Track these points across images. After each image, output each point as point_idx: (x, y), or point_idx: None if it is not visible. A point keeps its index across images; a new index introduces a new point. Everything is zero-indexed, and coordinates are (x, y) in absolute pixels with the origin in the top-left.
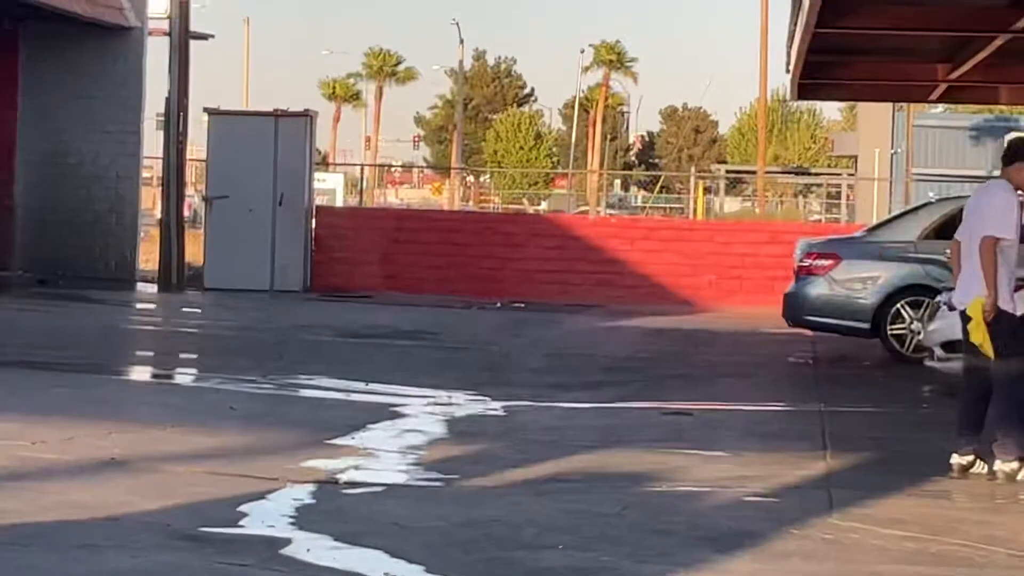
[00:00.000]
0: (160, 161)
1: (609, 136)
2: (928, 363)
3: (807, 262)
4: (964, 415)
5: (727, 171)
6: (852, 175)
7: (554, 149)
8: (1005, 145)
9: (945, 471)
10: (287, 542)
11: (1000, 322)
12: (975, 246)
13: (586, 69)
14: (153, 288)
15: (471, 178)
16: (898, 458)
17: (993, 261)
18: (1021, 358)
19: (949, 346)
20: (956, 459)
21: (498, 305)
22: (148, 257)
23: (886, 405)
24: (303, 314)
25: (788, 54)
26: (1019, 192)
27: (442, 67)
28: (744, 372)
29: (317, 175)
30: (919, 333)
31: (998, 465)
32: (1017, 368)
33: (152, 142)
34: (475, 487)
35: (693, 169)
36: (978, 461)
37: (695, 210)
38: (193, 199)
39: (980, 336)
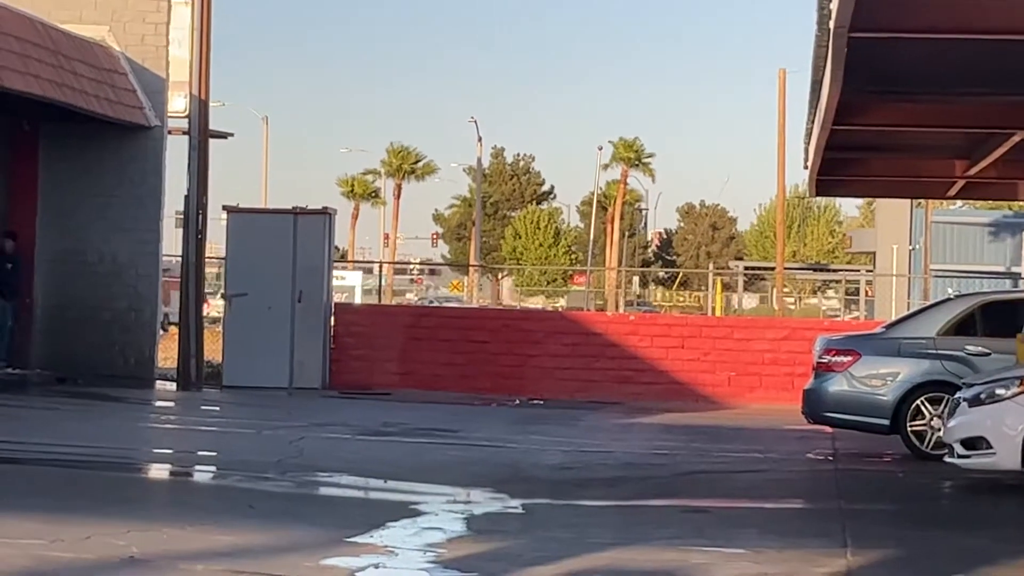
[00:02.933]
0: (179, 258)
1: (627, 233)
2: (948, 460)
3: (826, 358)
4: None
5: (745, 268)
6: (870, 271)
7: (573, 247)
8: None
9: (965, 568)
10: None
11: None
12: None
13: (604, 166)
14: (172, 386)
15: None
16: (919, 556)
17: None
18: None
19: (969, 443)
20: None
21: (517, 402)
22: (167, 355)
23: (906, 502)
24: (322, 412)
25: (806, 151)
26: None
27: (461, 164)
28: (763, 469)
29: (336, 272)
30: (939, 430)
31: None
32: None
33: (171, 240)
34: None
35: (711, 266)
36: None
37: (714, 307)
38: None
39: None
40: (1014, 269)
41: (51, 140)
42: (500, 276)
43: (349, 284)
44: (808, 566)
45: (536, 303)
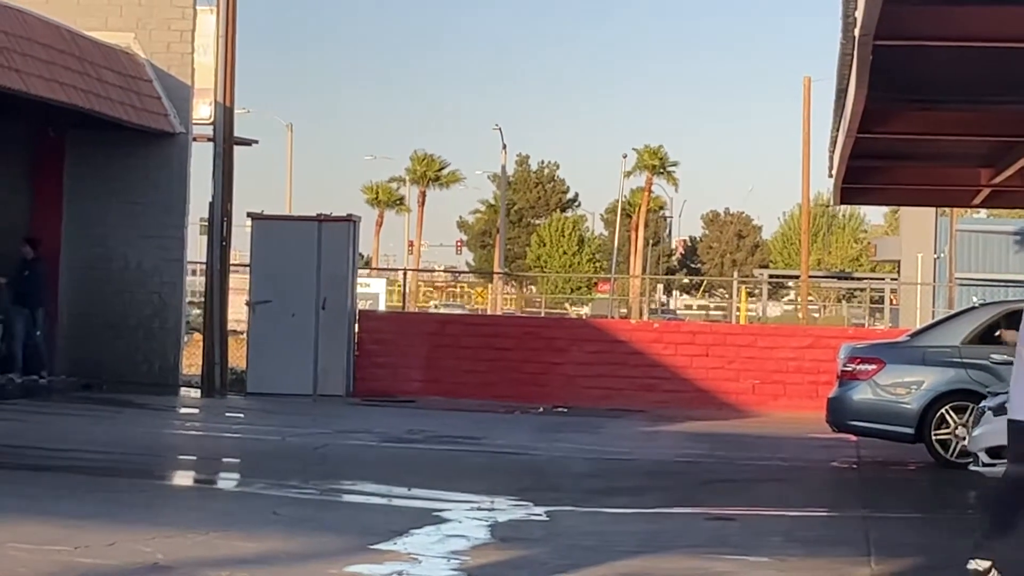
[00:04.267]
0: (203, 266)
1: (651, 241)
2: (973, 468)
3: (851, 367)
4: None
5: (770, 276)
6: (895, 280)
7: (597, 255)
8: None
9: None
10: None
11: None
12: None
13: (628, 174)
14: (196, 393)
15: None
16: (943, 565)
17: None
18: None
19: (994, 451)
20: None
21: (541, 410)
22: (191, 362)
23: (930, 511)
24: (345, 419)
25: (831, 159)
26: None
27: (485, 172)
28: (787, 477)
29: (360, 280)
30: (964, 438)
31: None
32: None
33: (196, 247)
34: None
35: (736, 274)
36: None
37: (738, 315)
38: None
39: None
40: None
41: (76, 147)
42: (524, 284)
43: (373, 291)
44: (832, 574)
45: (556, 311)
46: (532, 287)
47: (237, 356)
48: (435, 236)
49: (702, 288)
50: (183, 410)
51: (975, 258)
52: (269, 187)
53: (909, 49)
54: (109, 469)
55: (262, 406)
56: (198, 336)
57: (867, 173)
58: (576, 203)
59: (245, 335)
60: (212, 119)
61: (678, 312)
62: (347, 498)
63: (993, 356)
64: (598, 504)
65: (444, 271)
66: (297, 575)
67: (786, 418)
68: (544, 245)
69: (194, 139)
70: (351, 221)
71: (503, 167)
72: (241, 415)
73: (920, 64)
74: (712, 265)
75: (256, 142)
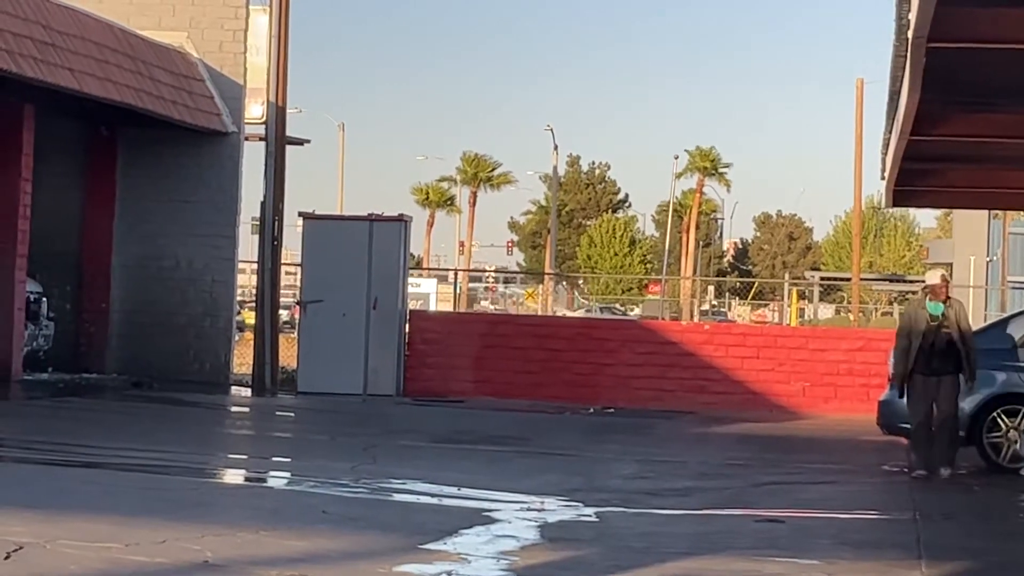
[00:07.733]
0: (255, 265)
1: (703, 242)
2: None
3: None
4: None
5: (821, 278)
6: None
7: (648, 256)
8: None
9: None
10: None
11: None
12: None
13: (679, 175)
14: (247, 392)
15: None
16: (994, 568)
17: None
18: None
19: None
20: None
21: (591, 411)
22: (242, 360)
23: (982, 514)
24: (396, 419)
25: (883, 161)
26: None
27: (536, 172)
28: (837, 479)
29: (411, 280)
30: (1016, 442)
31: None
32: None
33: (247, 246)
34: None
35: (787, 276)
36: None
37: (789, 317)
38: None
39: None
40: None
41: (129, 146)
42: (574, 285)
43: (424, 291)
44: None
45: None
46: (584, 285)
47: (288, 355)
48: (486, 237)
49: (751, 292)
50: (233, 408)
51: None
52: (321, 187)
53: (962, 51)
54: (159, 467)
55: (312, 405)
56: (249, 335)
57: (919, 175)
58: (627, 204)
59: (295, 334)
60: (264, 118)
61: (729, 315)
62: (397, 497)
63: None
64: (648, 505)
65: (495, 271)
66: (347, 574)
67: (837, 421)
68: (595, 246)
69: (246, 138)
70: (402, 221)
71: (554, 168)
72: (291, 414)
73: (974, 66)
74: (763, 267)
75: (308, 142)
